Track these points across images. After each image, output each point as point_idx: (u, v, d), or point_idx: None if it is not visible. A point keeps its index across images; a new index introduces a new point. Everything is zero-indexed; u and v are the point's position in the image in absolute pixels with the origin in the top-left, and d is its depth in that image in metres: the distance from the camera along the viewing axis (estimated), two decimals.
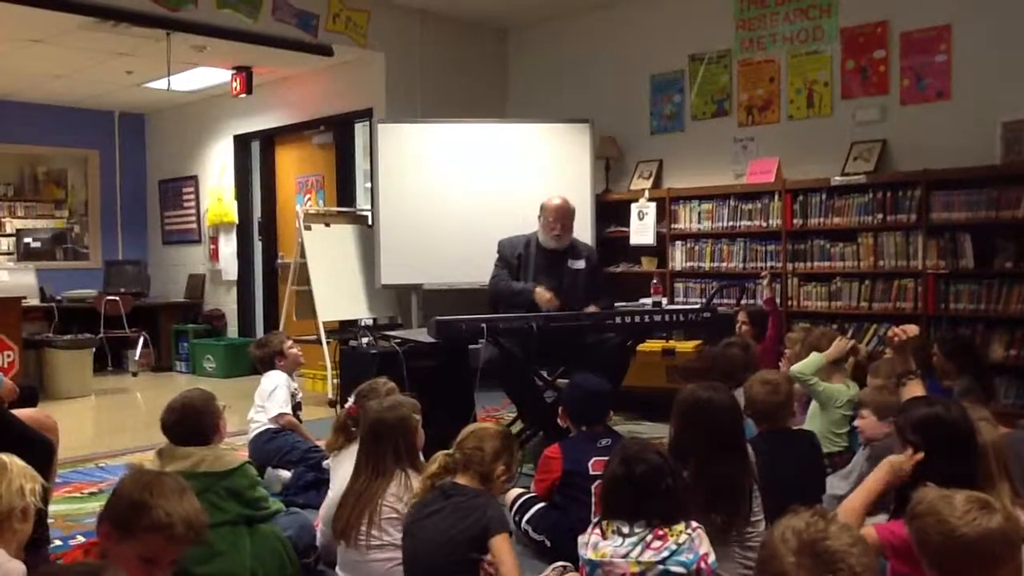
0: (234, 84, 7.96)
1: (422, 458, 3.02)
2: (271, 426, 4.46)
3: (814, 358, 3.92)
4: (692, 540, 2.30)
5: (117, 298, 8.43)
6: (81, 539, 3.67)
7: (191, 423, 3.03)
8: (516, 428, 4.69)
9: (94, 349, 7.82)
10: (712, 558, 2.31)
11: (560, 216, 4.89)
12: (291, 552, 3.02)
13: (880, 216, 5.79)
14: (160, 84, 8.08)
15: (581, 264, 4.99)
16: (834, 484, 3.42)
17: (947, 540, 1.76)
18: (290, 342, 4.83)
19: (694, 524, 2.36)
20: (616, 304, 5.03)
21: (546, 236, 4.91)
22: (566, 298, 4.72)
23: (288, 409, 4.53)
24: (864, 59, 6.12)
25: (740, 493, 2.68)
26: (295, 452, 4.36)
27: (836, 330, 4.54)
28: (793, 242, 6.22)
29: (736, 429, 2.82)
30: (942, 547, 1.77)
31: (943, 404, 2.62)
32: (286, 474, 4.22)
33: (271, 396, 4.53)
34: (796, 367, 3.91)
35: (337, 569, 3.00)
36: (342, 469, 3.25)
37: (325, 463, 3.96)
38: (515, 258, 4.92)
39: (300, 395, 4.79)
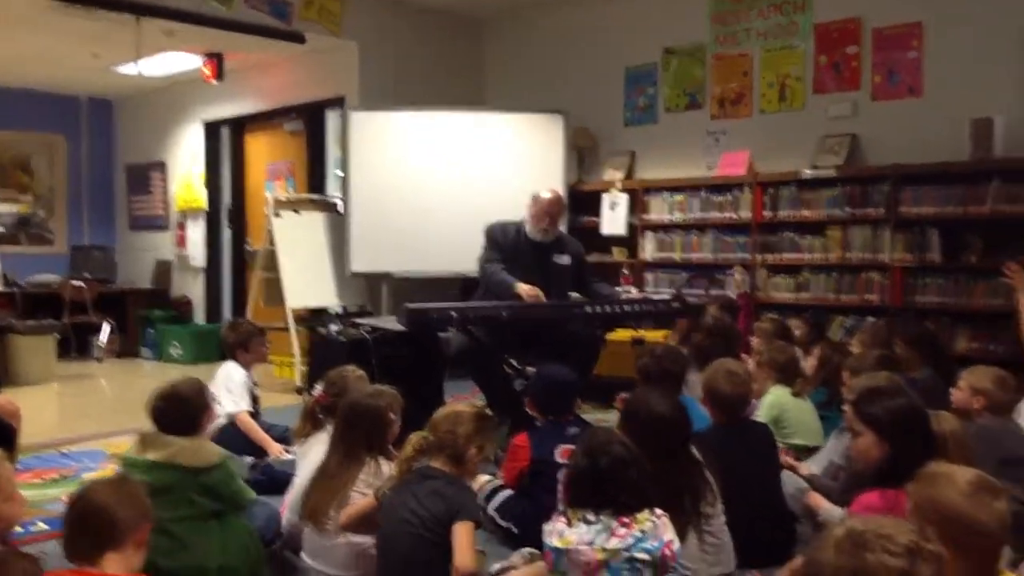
0: (205, 70, 7.86)
1: (393, 450, 3.00)
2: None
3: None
4: (656, 527, 2.31)
5: (82, 284, 8.32)
6: (43, 526, 3.63)
7: (174, 412, 2.98)
8: None
9: (58, 335, 7.72)
10: (677, 545, 2.33)
11: (550, 210, 4.86)
12: (259, 545, 3.00)
13: (849, 210, 5.84)
14: (129, 69, 7.97)
15: (567, 260, 4.96)
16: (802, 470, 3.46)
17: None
18: (261, 339, 4.74)
19: (659, 511, 2.36)
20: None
21: (533, 228, 4.88)
22: (550, 293, 4.70)
23: (245, 406, 4.48)
24: (837, 55, 6.16)
25: (692, 497, 2.70)
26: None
27: (796, 349, 4.57)
28: (763, 234, 6.26)
29: (681, 438, 2.81)
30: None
31: (910, 398, 2.67)
32: (250, 460, 4.19)
33: (228, 391, 4.48)
34: (762, 415, 3.89)
35: (303, 555, 2.98)
36: (309, 456, 3.24)
37: (292, 450, 3.95)
38: (507, 244, 4.90)
39: (258, 389, 4.71)
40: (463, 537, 2.53)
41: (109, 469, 4.46)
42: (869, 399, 2.65)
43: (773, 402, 3.90)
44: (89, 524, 2.10)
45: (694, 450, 2.85)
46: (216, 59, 7.77)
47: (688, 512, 2.67)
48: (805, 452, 3.72)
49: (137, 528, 2.15)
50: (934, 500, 1.78)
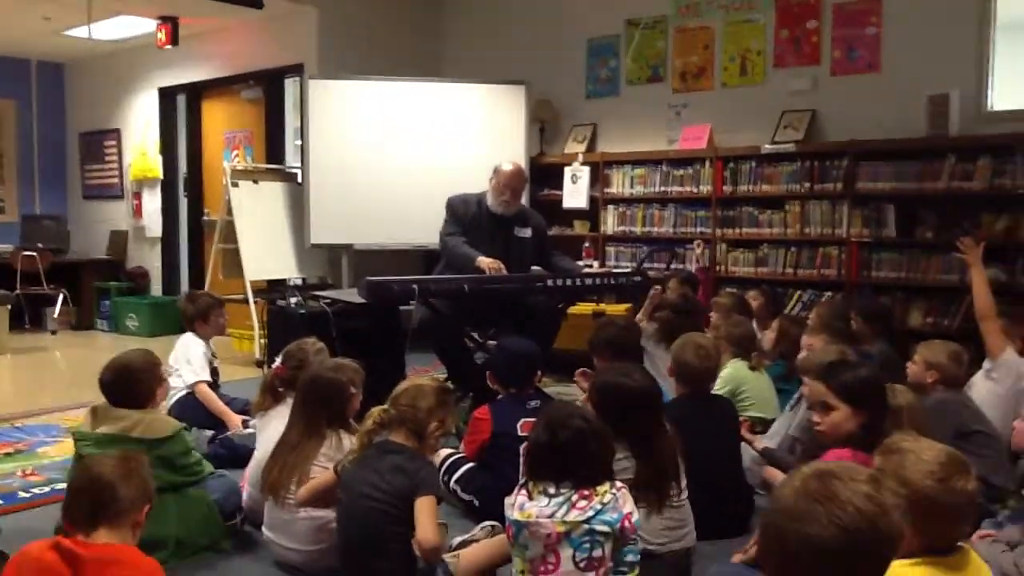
0: (159, 34, 7.69)
1: (354, 424, 2.99)
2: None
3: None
4: (616, 500, 2.32)
5: (35, 254, 8.14)
6: None
7: (126, 384, 2.95)
8: None
9: (10, 306, 7.56)
10: (636, 517, 2.34)
11: (511, 182, 4.83)
12: (218, 517, 2.99)
13: (808, 185, 5.90)
14: (81, 32, 7.77)
15: (527, 233, 4.95)
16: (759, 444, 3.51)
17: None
18: (220, 311, 4.70)
19: (619, 484, 2.37)
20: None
21: (495, 200, 4.85)
22: (511, 266, 4.69)
23: (205, 376, 4.44)
24: (797, 29, 6.19)
25: (672, 476, 2.71)
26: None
27: (752, 322, 4.62)
28: (723, 208, 6.30)
29: (658, 410, 2.81)
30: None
31: (871, 367, 2.72)
32: (210, 433, 4.15)
33: (187, 362, 4.44)
34: (719, 388, 3.91)
35: (264, 529, 2.97)
36: (269, 429, 3.22)
37: (251, 423, 3.92)
38: (469, 217, 4.87)
39: (217, 361, 4.67)
40: (425, 512, 2.53)
41: (65, 443, 4.41)
42: (839, 372, 2.67)
43: (730, 375, 3.95)
44: (91, 495, 2.11)
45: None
46: (171, 23, 7.60)
47: (666, 489, 2.68)
48: (761, 424, 3.77)
49: (137, 508, 2.16)
50: (902, 479, 1.75)
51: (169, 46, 7.69)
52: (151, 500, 2.23)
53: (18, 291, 7.93)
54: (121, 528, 2.11)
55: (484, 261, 4.58)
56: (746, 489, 3.25)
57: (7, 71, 9.42)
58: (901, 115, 5.60)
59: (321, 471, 2.85)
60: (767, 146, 6.06)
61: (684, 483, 2.77)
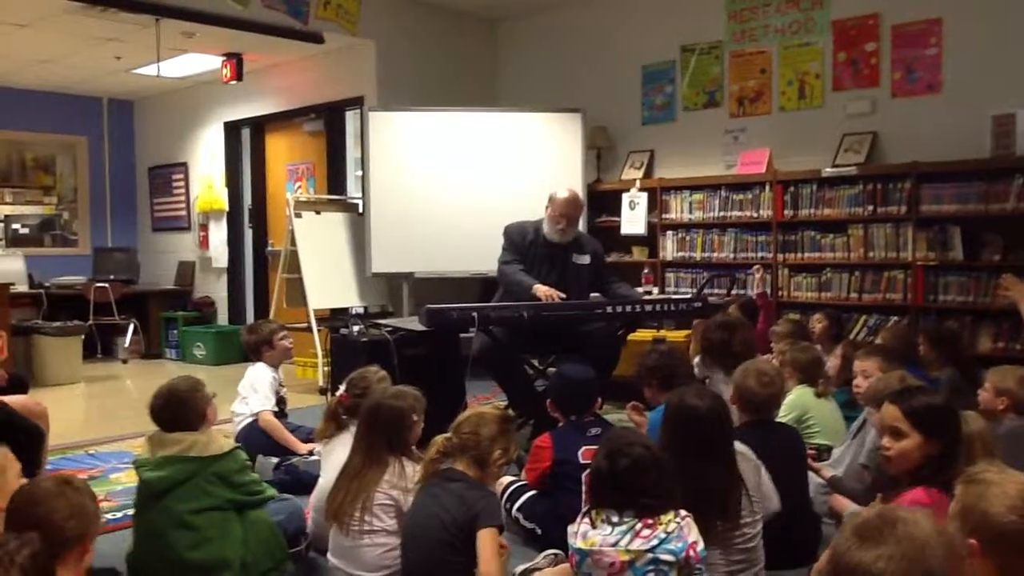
0: (224, 71, 7.92)
1: (416, 451, 3.02)
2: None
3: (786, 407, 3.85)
4: (681, 528, 2.31)
5: (106, 285, 8.40)
6: None
7: (176, 409, 3.02)
8: None
9: (83, 336, 7.80)
10: (701, 546, 2.32)
11: (567, 210, 4.84)
12: (281, 539, 3.03)
13: (870, 208, 5.82)
14: (149, 70, 8.03)
15: (586, 260, 4.96)
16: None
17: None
18: (283, 333, 4.76)
19: (683, 513, 2.36)
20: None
21: (551, 228, 4.87)
22: (569, 293, 4.69)
23: (270, 405, 4.49)
24: (855, 51, 6.13)
25: (723, 501, 2.64)
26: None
27: (817, 347, 4.51)
28: (783, 233, 6.24)
29: (723, 437, 2.76)
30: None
31: (941, 395, 2.66)
32: (275, 460, 4.22)
33: (254, 390, 4.51)
34: (783, 415, 3.85)
35: (328, 555, 3.00)
36: (333, 456, 3.25)
37: (316, 450, 3.97)
38: (526, 245, 4.90)
39: (285, 390, 4.73)
40: (488, 545, 2.53)
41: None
42: (914, 398, 2.57)
43: (794, 402, 3.89)
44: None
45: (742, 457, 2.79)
46: (235, 60, 7.82)
47: (716, 516, 2.64)
48: (828, 452, 3.71)
49: (78, 541, 2.10)
50: (985, 514, 1.69)
51: (234, 81, 7.91)
52: (95, 525, 2.16)
53: (91, 321, 8.18)
54: (67, 565, 2.05)
55: (540, 289, 4.60)
56: (813, 518, 3.20)
57: (80, 109, 9.78)
58: (964, 136, 5.51)
59: (384, 497, 2.87)
60: (828, 169, 6.00)
61: (757, 518, 2.72)
